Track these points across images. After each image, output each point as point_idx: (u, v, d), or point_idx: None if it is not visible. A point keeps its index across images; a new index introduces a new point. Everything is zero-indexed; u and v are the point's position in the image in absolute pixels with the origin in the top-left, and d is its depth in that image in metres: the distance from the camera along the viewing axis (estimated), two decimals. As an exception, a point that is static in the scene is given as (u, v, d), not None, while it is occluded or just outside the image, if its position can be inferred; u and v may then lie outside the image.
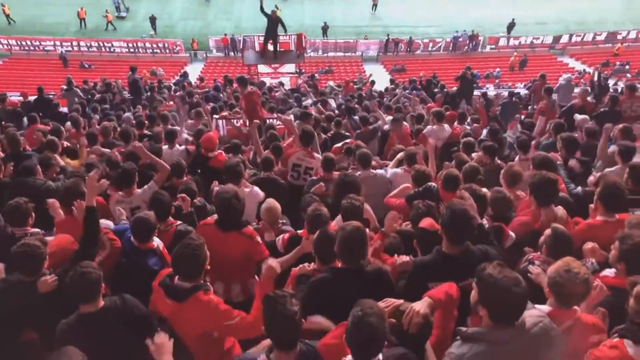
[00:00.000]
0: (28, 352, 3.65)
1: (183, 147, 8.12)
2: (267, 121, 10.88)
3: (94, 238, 3.92)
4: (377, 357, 2.55)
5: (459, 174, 5.26)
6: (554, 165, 5.57)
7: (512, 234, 4.28)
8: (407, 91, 15.62)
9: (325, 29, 35.45)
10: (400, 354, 2.68)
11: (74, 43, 33.47)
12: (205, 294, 3.34)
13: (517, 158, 7.16)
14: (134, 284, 3.83)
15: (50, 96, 15.06)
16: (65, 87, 15.04)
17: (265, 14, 17.31)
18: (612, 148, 6.65)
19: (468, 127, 10.21)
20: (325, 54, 35.35)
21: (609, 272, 3.48)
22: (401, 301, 2.98)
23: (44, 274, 3.68)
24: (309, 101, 14.81)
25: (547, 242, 3.68)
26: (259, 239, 4.28)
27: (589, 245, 3.76)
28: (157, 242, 4.32)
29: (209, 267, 3.50)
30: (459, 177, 5.15)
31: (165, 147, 7.88)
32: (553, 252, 3.54)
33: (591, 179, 5.41)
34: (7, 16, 34.73)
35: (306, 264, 3.79)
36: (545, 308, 2.95)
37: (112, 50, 33.85)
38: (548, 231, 3.71)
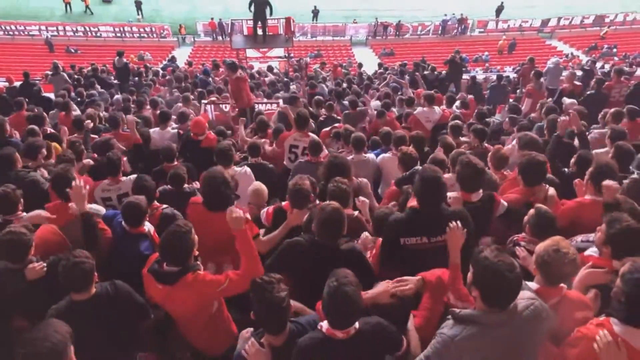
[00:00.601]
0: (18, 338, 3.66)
1: (175, 130, 8.18)
2: (257, 107, 10.87)
3: (94, 241, 3.94)
4: (353, 325, 2.66)
5: (445, 158, 5.30)
6: (539, 146, 5.63)
7: (503, 202, 4.31)
8: (397, 75, 15.58)
9: (316, 13, 35.24)
10: (375, 322, 2.76)
11: (60, 28, 33.10)
12: (193, 274, 3.35)
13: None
14: (127, 269, 3.81)
15: (36, 81, 14.88)
16: (50, 72, 14.83)
17: (250, 1, 17.19)
18: (602, 131, 6.80)
19: (457, 111, 10.27)
20: (314, 38, 35.20)
21: (592, 251, 3.52)
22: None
23: (31, 261, 3.65)
24: (294, 86, 14.74)
25: (530, 222, 3.72)
26: (248, 216, 4.26)
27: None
28: (147, 226, 4.30)
29: (197, 252, 3.51)
30: (445, 161, 5.19)
31: (156, 129, 7.91)
32: (537, 231, 3.60)
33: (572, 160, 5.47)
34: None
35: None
36: (533, 285, 2.99)
37: (98, 34, 33.45)
38: (532, 211, 3.76)
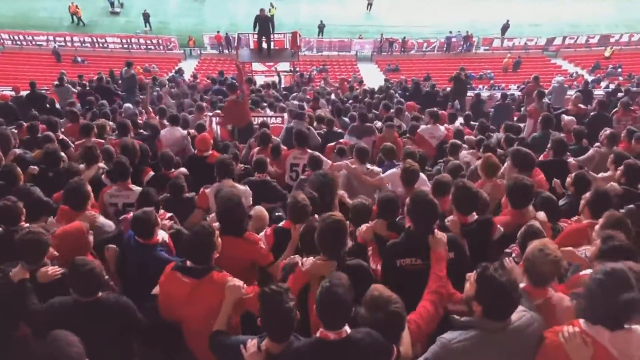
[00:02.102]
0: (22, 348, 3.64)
1: (185, 131, 8.52)
2: (256, 120, 10.89)
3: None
4: (344, 327, 2.77)
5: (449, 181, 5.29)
6: (532, 161, 5.66)
7: (500, 227, 4.37)
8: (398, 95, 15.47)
9: (321, 28, 35.45)
10: (366, 331, 2.82)
11: (67, 38, 33.31)
12: (220, 272, 3.50)
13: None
14: (144, 278, 3.86)
15: (43, 91, 14.96)
16: (57, 82, 14.91)
17: (255, 20, 17.50)
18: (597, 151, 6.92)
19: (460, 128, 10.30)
20: (319, 53, 35.32)
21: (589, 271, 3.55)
22: None
23: (45, 264, 3.69)
24: (295, 102, 14.61)
25: (520, 238, 3.80)
26: (262, 244, 4.27)
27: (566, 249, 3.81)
28: (161, 234, 4.33)
29: (217, 255, 3.61)
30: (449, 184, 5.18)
31: (167, 128, 8.42)
32: (525, 248, 3.61)
33: (568, 180, 5.49)
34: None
35: (296, 256, 3.80)
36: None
37: (105, 45, 33.68)
38: (523, 229, 3.83)
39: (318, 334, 2.79)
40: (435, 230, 3.65)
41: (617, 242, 3.31)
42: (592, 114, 10.19)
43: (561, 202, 5.32)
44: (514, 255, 3.77)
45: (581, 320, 2.71)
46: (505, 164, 5.65)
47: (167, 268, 3.59)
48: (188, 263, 3.51)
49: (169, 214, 4.89)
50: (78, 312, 3.25)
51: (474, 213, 4.37)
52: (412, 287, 3.41)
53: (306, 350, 2.78)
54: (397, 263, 3.68)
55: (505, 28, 35.75)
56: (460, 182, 4.41)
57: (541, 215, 4.44)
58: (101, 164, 6.36)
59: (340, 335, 2.74)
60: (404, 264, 3.67)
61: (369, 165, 6.46)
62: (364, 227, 4.22)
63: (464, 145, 7.85)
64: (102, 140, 7.78)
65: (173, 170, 6.52)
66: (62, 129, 9.29)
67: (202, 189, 5.67)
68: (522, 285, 3.10)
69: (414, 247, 3.68)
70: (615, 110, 10.24)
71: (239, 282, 3.45)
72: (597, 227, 3.82)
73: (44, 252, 3.69)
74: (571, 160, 6.67)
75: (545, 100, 11.57)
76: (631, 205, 4.68)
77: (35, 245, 3.62)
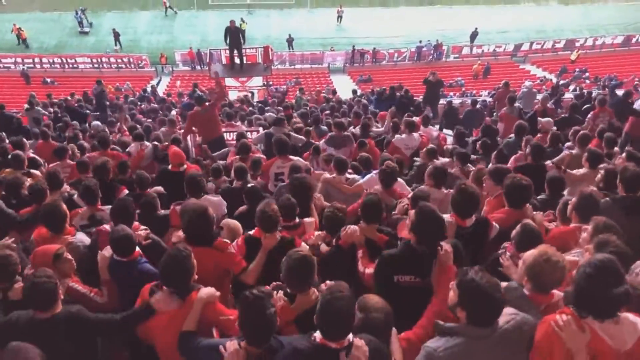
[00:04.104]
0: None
1: (150, 145, 8.63)
2: (230, 135, 10.82)
3: None
4: (347, 337, 2.71)
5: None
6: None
7: (496, 225, 4.37)
8: (373, 105, 15.53)
9: (290, 41, 35.62)
10: (368, 339, 2.77)
11: (36, 59, 32.83)
12: (198, 290, 3.41)
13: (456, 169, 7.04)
14: (132, 288, 3.78)
15: (13, 113, 14.65)
16: (27, 106, 14.61)
17: (226, 32, 17.43)
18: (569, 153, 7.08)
19: (435, 132, 10.41)
20: (292, 66, 35.44)
21: None
22: None
23: (17, 280, 3.62)
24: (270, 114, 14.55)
25: (516, 237, 3.80)
26: (232, 249, 4.24)
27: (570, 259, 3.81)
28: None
29: (196, 277, 3.52)
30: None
31: (133, 144, 8.51)
32: (521, 246, 3.63)
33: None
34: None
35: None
36: (521, 288, 3.12)
37: (75, 66, 33.28)
38: (519, 227, 3.83)
39: (318, 340, 2.72)
40: (442, 243, 3.51)
41: (612, 247, 3.26)
42: (562, 115, 10.41)
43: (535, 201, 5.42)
44: (508, 253, 3.72)
45: (572, 308, 2.71)
46: (485, 182, 5.62)
47: (145, 291, 3.47)
48: (164, 287, 3.38)
49: (143, 227, 4.76)
50: (34, 328, 3.18)
51: (473, 217, 4.33)
52: (408, 306, 3.33)
53: (310, 354, 2.72)
54: (394, 278, 3.58)
55: (474, 36, 36.43)
56: (462, 185, 4.34)
57: (538, 216, 4.51)
58: (67, 188, 6.19)
59: (343, 344, 2.68)
60: (401, 280, 3.58)
61: (348, 175, 6.45)
62: (350, 229, 4.11)
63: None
64: (74, 163, 7.54)
65: (148, 190, 6.38)
66: (31, 150, 9.13)
67: (172, 207, 5.61)
68: (525, 291, 3.08)
69: (414, 264, 3.57)
70: (588, 106, 10.52)
71: (206, 292, 3.41)
72: (585, 234, 3.76)
73: (13, 272, 3.63)
74: (548, 163, 6.82)
75: (517, 104, 11.77)
76: (607, 199, 4.76)
77: (3, 268, 3.57)
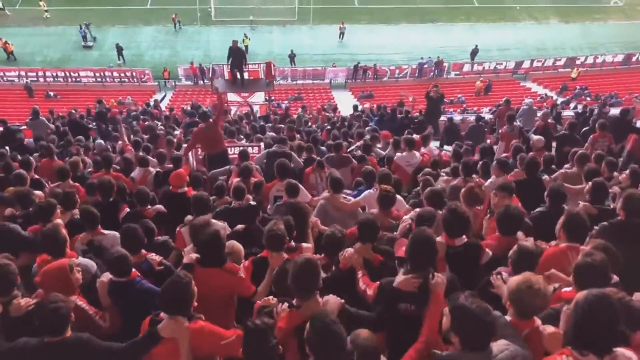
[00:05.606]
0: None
1: (154, 171, 8.53)
2: (232, 150, 10.80)
3: None
4: None
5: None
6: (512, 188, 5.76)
7: (488, 251, 4.39)
8: (373, 123, 15.46)
9: (292, 57, 35.81)
10: None
11: (40, 73, 33.02)
12: (196, 322, 3.38)
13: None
14: (139, 310, 3.77)
15: (15, 127, 14.70)
16: (31, 117, 14.66)
17: (229, 52, 17.74)
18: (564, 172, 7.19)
19: (435, 151, 10.41)
20: (294, 82, 35.57)
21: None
22: None
23: (16, 295, 3.62)
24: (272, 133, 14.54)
25: (512, 258, 3.84)
26: (242, 274, 4.25)
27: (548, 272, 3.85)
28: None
29: (196, 303, 3.50)
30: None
31: (136, 170, 8.37)
32: (516, 268, 3.66)
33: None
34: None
35: (270, 297, 3.76)
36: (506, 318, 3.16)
37: (78, 80, 33.49)
38: (515, 248, 3.88)
39: None
40: (434, 273, 3.56)
41: (589, 259, 3.33)
42: (562, 132, 10.43)
43: (534, 213, 5.51)
44: (505, 274, 3.73)
45: (570, 348, 2.71)
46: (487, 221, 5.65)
47: (146, 323, 3.46)
48: (162, 315, 3.37)
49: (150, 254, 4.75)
50: (42, 351, 3.18)
51: (464, 236, 4.39)
52: (410, 332, 3.38)
53: None
54: (398, 307, 3.62)
55: (474, 53, 36.61)
56: (453, 206, 4.46)
57: (530, 242, 4.50)
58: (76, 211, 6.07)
59: None
60: (402, 308, 3.63)
61: (344, 195, 6.43)
62: (348, 252, 4.16)
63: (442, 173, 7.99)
64: (77, 184, 7.40)
65: (149, 206, 6.40)
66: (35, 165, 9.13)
67: (177, 229, 5.62)
68: (507, 317, 3.14)
69: (409, 292, 3.60)
70: (586, 128, 10.53)
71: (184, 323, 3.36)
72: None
73: (12, 284, 3.65)
74: (545, 177, 6.86)
75: (517, 123, 11.79)
76: (605, 223, 4.77)
77: (3, 278, 3.57)
